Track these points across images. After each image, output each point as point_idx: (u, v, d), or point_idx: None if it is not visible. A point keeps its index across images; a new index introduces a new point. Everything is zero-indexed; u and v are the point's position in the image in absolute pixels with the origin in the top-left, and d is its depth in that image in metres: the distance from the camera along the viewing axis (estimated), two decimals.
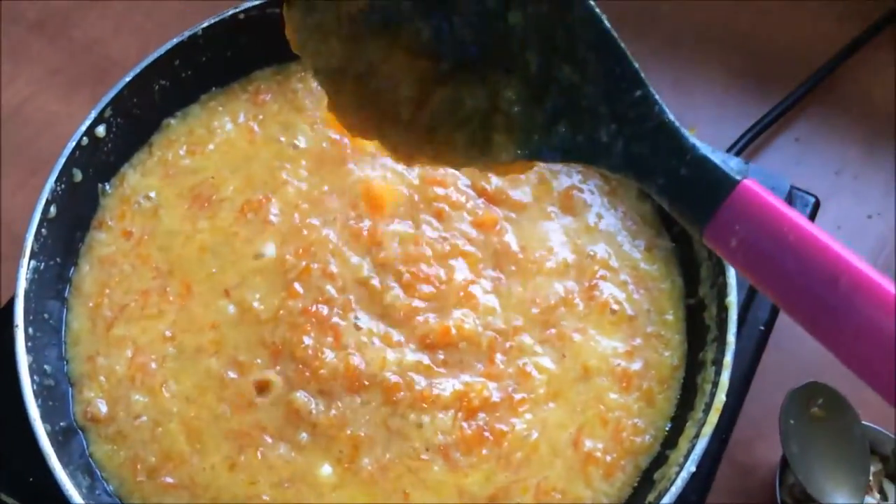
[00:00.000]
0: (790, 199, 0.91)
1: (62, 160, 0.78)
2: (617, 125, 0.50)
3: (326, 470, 0.73)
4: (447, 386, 0.76)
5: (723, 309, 0.75)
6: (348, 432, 0.74)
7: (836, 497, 0.84)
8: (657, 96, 0.50)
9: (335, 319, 0.77)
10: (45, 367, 0.75)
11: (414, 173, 0.85)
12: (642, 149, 0.49)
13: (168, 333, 0.79)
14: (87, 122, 0.79)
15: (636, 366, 0.78)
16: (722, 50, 1.12)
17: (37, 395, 0.71)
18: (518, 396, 0.76)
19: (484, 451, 0.74)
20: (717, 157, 0.48)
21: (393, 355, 0.76)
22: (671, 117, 0.49)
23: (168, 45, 0.84)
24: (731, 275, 0.75)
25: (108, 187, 0.85)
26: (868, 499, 0.87)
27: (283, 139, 0.87)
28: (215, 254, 0.82)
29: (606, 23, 0.49)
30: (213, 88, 0.90)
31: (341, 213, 0.83)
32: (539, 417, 0.76)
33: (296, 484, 0.73)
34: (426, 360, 0.76)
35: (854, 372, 0.46)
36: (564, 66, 0.50)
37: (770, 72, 1.10)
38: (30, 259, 0.75)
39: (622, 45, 0.50)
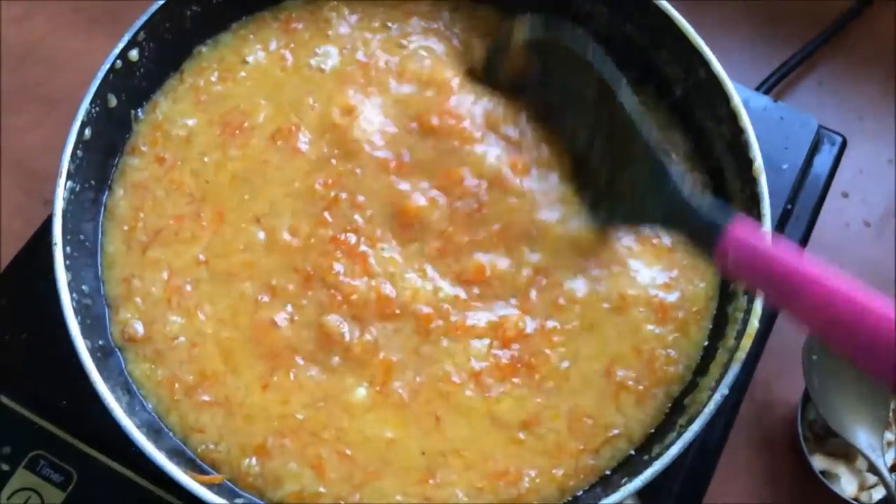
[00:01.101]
0: (818, 139, 0.92)
1: (96, 82, 0.77)
2: (659, 206, 0.72)
3: (360, 392, 0.74)
4: (482, 317, 0.76)
5: None
6: (381, 356, 0.75)
7: (856, 431, 0.85)
8: (680, 185, 0.71)
9: (364, 248, 0.78)
10: (83, 287, 0.75)
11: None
12: (674, 217, 0.70)
13: (202, 258, 0.79)
14: (121, 45, 0.79)
15: (673, 297, 0.79)
16: None
17: (76, 312, 0.71)
18: (550, 324, 0.76)
19: (516, 380, 0.75)
20: (711, 211, 0.68)
21: (428, 286, 0.77)
22: (687, 195, 0.70)
23: None
24: (766, 204, 0.75)
25: (140, 113, 0.85)
26: (888, 434, 0.88)
27: (313, 64, 0.87)
28: (246, 181, 0.82)
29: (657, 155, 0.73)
30: (244, 17, 0.89)
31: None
32: (572, 348, 0.76)
33: (328, 405, 0.74)
34: (462, 294, 0.77)
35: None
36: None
37: (793, 17, 1.10)
38: (66, 179, 0.75)
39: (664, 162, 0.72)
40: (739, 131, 0.77)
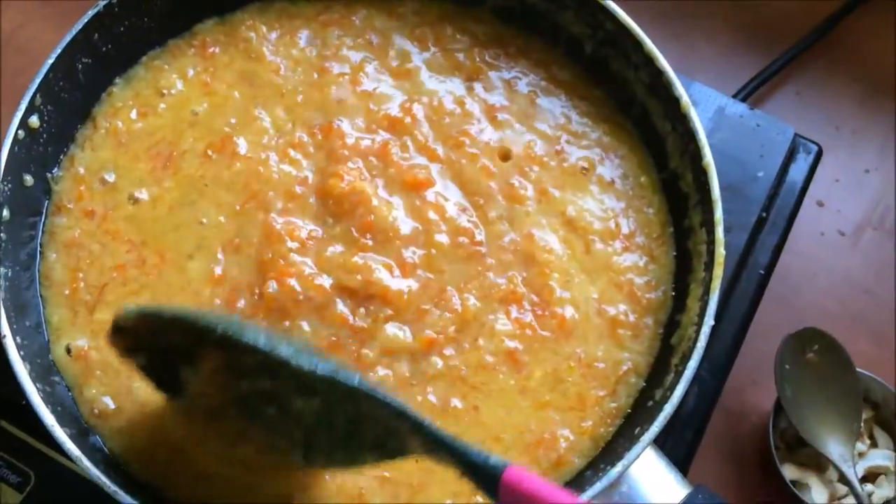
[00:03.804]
0: (794, 147, 0.91)
1: (3, 158, 0.72)
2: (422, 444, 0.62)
3: None
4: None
5: (701, 172, 0.75)
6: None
7: (828, 442, 0.85)
8: (438, 433, 0.61)
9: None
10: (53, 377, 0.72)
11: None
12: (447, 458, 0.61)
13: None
14: (19, 115, 0.74)
15: (628, 224, 0.79)
16: (725, 5, 1.11)
17: (44, 402, 0.67)
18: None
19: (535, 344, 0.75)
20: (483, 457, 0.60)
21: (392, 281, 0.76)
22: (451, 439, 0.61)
23: (83, 21, 0.78)
24: (702, 137, 0.75)
25: (58, 171, 0.79)
26: (859, 445, 0.88)
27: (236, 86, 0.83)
28: (185, 207, 0.78)
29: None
30: (156, 48, 0.84)
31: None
32: (563, 297, 0.76)
33: None
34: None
35: None
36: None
37: (771, 27, 1.09)
38: None
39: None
40: (658, 73, 0.77)
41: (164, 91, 0.83)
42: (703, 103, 0.90)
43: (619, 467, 0.66)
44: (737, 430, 0.94)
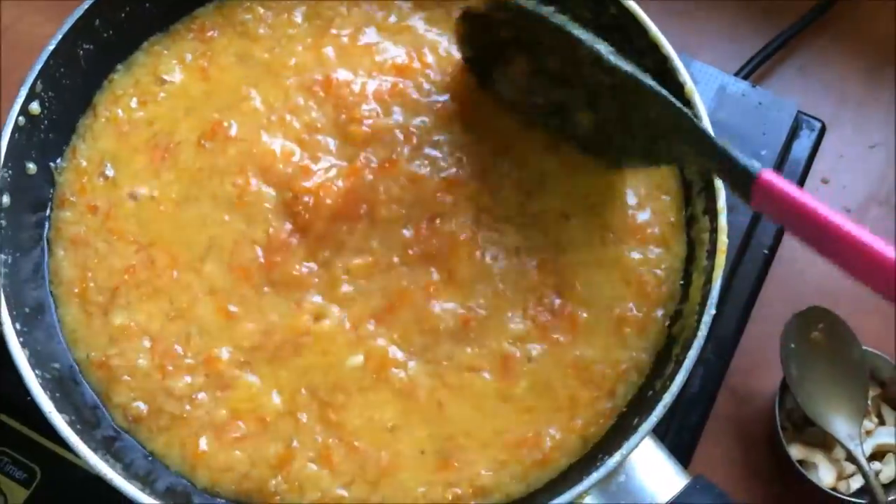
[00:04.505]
0: (797, 124, 0.90)
1: (3, 144, 0.72)
2: (688, 146, 0.69)
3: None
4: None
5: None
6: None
7: (834, 421, 0.84)
8: (705, 127, 0.69)
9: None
10: (53, 364, 0.72)
11: None
12: (708, 160, 0.69)
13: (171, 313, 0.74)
14: (20, 101, 0.73)
15: (645, 216, 0.78)
16: None
17: (44, 388, 0.67)
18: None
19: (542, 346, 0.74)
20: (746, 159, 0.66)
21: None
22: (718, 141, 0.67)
23: (84, 6, 0.77)
24: (707, 126, 0.72)
25: (61, 162, 0.79)
26: (866, 423, 0.88)
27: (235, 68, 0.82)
28: (190, 203, 0.77)
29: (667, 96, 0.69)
30: (157, 34, 0.83)
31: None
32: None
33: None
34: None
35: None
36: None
37: (774, 2, 1.08)
38: None
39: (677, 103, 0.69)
40: (664, 59, 0.75)
41: (164, 77, 0.82)
42: (705, 82, 0.89)
43: (617, 456, 0.65)
44: (743, 411, 0.93)
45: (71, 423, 0.66)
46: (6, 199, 0.72)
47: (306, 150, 0.78)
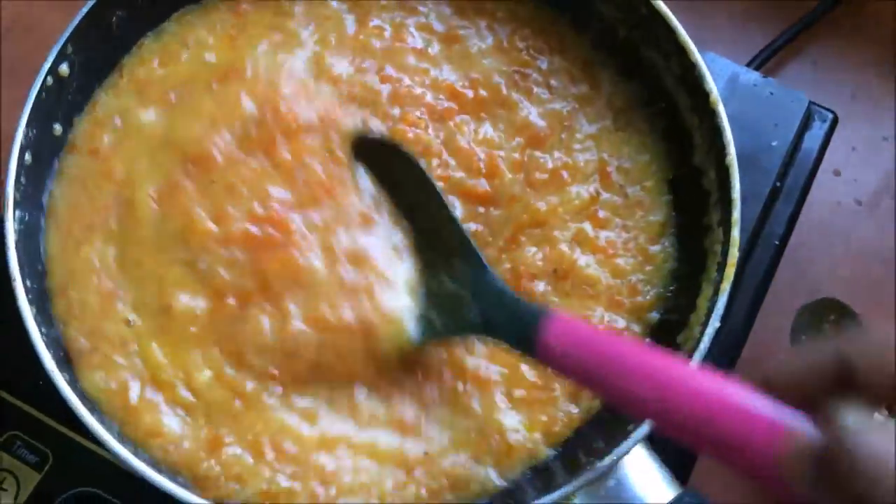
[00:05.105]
0: (809, 115, 0.90)
1: (29, 105, 0.73)
2: (478, 307, 0.68)
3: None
4: None
5: (723, 169, 0.73)
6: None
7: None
8: (495, 275, 0.69)
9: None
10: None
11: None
12: (494, 316, 0.67)
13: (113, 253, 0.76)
14: (49, 62, 0.75)
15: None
16: None
17: (47, 347, 0.68)
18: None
19: None
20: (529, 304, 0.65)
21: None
22: (502, 285, 0.68)
23: None
24: (728, 135, 0.73)
25: (81, 115, 0.81)
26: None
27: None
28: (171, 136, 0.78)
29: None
30: (190, 5, 0.84)
31: None
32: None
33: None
34: None
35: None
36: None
37: None
38: (14, 209, 0.72)
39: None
40: (691, 65, 0.75)
41: (191, 43, 0.83)
42: (716, 72, 0.89)
43: (607, 461, 0.65)
44: None
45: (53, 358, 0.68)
46: (28, 158, 0.74)
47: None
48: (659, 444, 0.71)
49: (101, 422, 0.67)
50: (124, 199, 0.77)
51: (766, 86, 0.89)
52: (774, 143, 0.87)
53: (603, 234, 0.78)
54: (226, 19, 0.84)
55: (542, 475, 0.71)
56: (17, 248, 0.71)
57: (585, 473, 0.65)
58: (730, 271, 0.70)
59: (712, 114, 0.74)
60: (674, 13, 0.77)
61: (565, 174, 0.79)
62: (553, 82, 0.82)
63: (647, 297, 0.76)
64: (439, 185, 0.74)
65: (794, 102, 0.88)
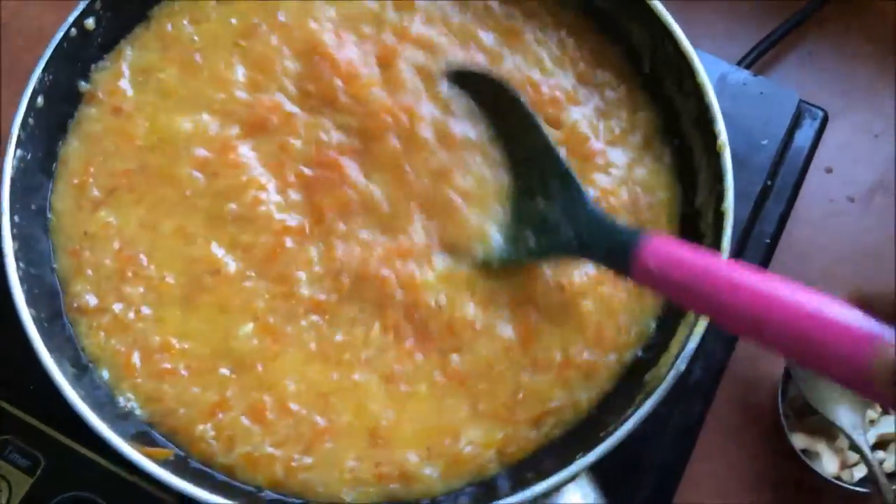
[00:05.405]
0: (799, 113, 0.90)
1: (50, 49, 0.75)
2: (572, 227, 0.71)
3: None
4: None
5: (718, 215, 0.74)
6: None
7: (837, 409, 0.84)
8: (591, 202, 0.71)
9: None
10: (32, 256, 0.74)
11: None
12: (589, 236, 0.70)
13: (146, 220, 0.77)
14: (74, 14, 0.76)
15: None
16: None
17: (22, 280, 0.70)
18: None
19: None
20: (624, 228, 0.69)
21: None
22: (599, 211, 0.70)
23: None
24: (729, 180, 0.74)
25: (103, 62, 0.81)
26: (870, 412, 0.87)
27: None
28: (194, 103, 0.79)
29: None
30: None
31: None
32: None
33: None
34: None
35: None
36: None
37: None
38: (16, 148, 0.73)
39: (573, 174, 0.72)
40: (706, 108, 0.76)
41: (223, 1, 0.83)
42: (706, 71, 0.89)
43: (543, 485, 0.65)
44: (747, 400, 0.93)
45: (37, 321, 0.69)
46: (40, 101, 0.75)
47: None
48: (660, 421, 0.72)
49: (100, 418, 0.67)
50: (155, 164, 0.78)
51: (757, 84, 0.90)
52: (765, 142, 0.88)
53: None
54: None
55: (486, 491, 0.71)
56: (13, 184, 0.72)
57: (518, 493, 0.65)
58: (702, 323, 0.70)
59: (716, 156, 0.74)
60: (670, 15, 0.78)
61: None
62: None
63: (631, 336, 0.76)
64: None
65: (785, 101, 0.89)
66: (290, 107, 0.79)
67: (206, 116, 0.79)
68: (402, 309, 0.74)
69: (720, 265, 0.58)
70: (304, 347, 0.73)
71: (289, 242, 0.76)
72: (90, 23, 0.78)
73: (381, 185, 0.77)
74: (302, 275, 0.75)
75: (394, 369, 0.73)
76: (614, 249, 0.66)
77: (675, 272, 0.60)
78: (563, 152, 0.77)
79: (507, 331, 0.74)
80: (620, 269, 0.66)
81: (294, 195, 0.77)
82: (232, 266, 0.75)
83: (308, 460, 0.71)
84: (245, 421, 0.71)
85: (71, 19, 0.76)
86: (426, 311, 0.74)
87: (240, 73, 0.81)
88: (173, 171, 0.78)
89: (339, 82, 0.79)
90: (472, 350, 0.74)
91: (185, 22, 0.83)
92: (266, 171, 0.78)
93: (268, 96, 0.79)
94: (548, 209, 0.73)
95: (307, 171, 0.77)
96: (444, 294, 0.74)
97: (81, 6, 0.77)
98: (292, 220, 0.76)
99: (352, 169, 0.77)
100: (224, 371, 0.73)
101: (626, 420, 0.67)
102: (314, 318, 0.74)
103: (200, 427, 0.71)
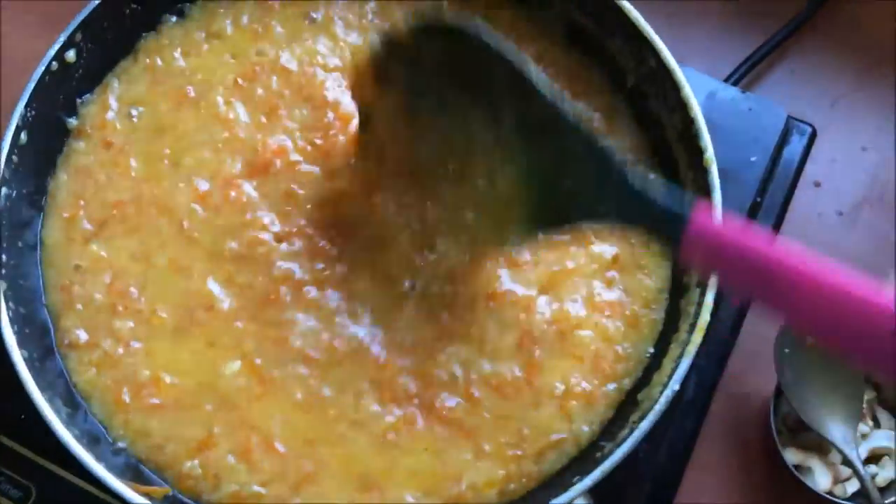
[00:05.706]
0: (787, 129, 0.91)
1: (32, 84, 0.74)
2: (607, 199, 0.65)
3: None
4: None
5: None
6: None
7: (829, 424, 0.84)
8: (627, 171, 0.64)
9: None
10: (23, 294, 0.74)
11: None
12: (628, 209, 0.64)
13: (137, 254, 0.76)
14: (55, 48, 0.76)
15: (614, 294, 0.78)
16: None
17: (12, 321, 0.70)
18: None
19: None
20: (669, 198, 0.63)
21: None
22: (639, 181, 0.64)
23: None
24: (718, 200, 0.74)
25: (89, 96, 0.81)
26: (862, 426, 0.88)
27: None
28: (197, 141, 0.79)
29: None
30: None
31: None
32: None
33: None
34: None
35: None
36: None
37: (764, 5, 1.08)
38: (0, 186, 0.72)
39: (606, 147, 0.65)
40: (690, 121, 0.76)
41: (215, 33, 0.83)
42: (694, 89, 0.89)
43: None
44: (739, 415, 0.93)
45: (29, 362, 0.69)
46: (24, 137, 0.74)
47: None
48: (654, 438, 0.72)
49: (94, 456, 0.67)
50: (150, 194, 0.77)
51: (745, 101, 0.90)
52: (754, 159, 0.88)
53: (606, 294, 0.78)
54: (252, 11, 0.84)
55: None
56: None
57: None
58: (697, 336, 0.70)
59: (704, 172, 0.75)
60: (652, 28, 0.78)
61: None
62: None
63: (630, 364, 0.76)
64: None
65: (773, 117, 0.89)
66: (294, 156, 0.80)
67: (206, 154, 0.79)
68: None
69: (778, 249, 0.57)
70: (290, 395, 0.73)
71: (284, 290, 0.75)
72: (71, 55, 0.77)
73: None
74: (297, 325, 0.74)
75: (387, 437, 0.72)
76: (660, 220, 0.62)
77: (718, 252, 0.59)
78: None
79: (514, 370, 0.74)
80: (666, 241, 0.64)
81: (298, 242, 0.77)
82: (226, 303, 0.75)
83: (296, 501, 0.70)
84: (231, 459, 0.71)
85: (52, 53, 0.76)
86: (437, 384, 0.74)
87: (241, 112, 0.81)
88: (170, 202, 0.77)
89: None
90: (477, 401, 0.74)
91: (175, 54, 0.82)
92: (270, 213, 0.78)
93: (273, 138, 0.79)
94: (576, 183, 0.66)
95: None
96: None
97: (62, 39, 0.76)
98: (295, 267, 0.76)
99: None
100: (208, 407, 0.72)
101: (622, 442, 0.67)
102: (302, 369, 0.73)
103: (188, 464, 0.71)
